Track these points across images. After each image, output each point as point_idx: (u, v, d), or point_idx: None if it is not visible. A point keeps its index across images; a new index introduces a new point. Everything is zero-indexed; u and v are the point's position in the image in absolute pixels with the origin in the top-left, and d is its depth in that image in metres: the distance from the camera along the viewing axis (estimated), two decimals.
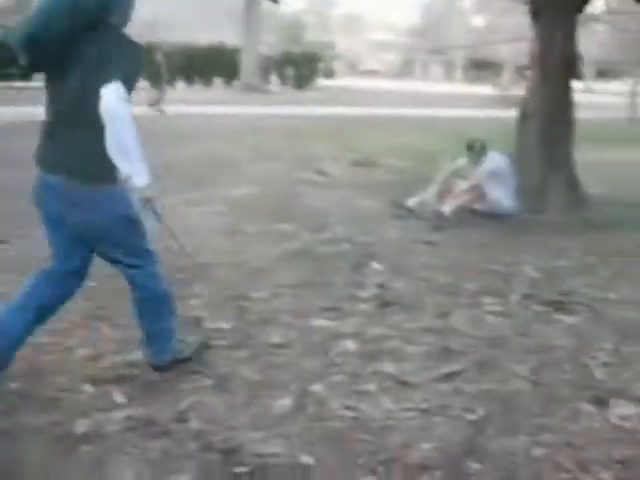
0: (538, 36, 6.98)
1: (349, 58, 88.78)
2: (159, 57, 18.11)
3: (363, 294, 4.30)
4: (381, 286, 4.44)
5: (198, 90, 29.51)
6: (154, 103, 17.75)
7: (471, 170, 6.56)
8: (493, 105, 25.73)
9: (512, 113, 7.55)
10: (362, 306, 4.10)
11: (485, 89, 33.52)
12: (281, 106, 21.15)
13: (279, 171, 8.96)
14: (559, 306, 4.16)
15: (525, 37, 8.50)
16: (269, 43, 45.45)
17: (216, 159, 9.76)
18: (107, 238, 2.87)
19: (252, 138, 12.37)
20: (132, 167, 2.60)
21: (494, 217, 6.35)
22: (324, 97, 27.72)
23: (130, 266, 2.93)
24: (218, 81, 30.96)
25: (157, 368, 3.12)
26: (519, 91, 20.98)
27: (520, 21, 7.24)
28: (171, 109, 17.62)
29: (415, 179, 8.37)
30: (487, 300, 4.25)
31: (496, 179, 6.37)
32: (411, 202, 6.54)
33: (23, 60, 2.63)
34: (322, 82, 42.07)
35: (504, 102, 24.84)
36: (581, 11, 7.00)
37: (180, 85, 29.81)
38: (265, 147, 11.19)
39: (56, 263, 2.94)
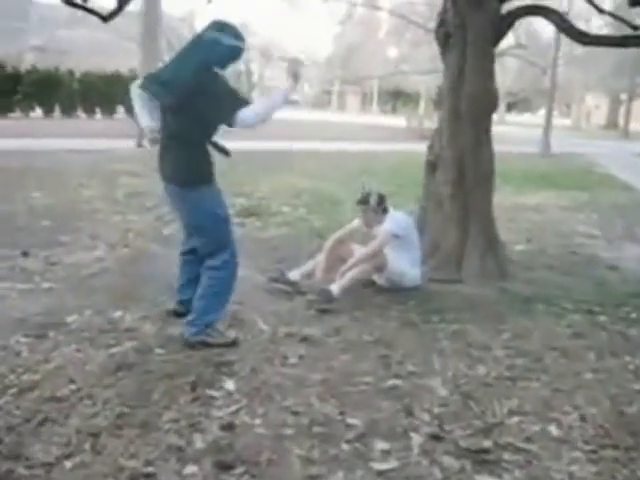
0: (448, 70, 5.82)
1: (265, 88, 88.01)
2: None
3: (198, 444, 2.90)
4: (229, 427, 3.04)
5: (96, 121, 27.58)
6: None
7: (368, 233, 5.29)
8: (407, 138, 24.97)
9: (425, 147, 6.37)
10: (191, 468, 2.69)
11: (400, 121, 32.89)
12: None
13: (135, 224, 7.43)
14: None
15: (439, 69, 7.42)
16: None
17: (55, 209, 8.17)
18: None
19: (126, 179, 10.79)
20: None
21: (398, 291, 5.08)
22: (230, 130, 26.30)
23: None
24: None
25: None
26: (433, 124, 20.30)
27: (435, 52, 5.99)
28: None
29: (309, 235, 7.10)
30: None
31: (399, 244, 5.11)
32: (294, 274, 5.18)
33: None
34: None
35: (418, 135, 24.19)
36: (495, 45, 5.87)
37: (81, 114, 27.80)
38: (133, 189, 9.62)
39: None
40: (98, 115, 28.18)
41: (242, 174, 12.08)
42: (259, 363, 3.75)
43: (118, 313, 4.50)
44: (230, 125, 3.75)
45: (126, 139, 16.56)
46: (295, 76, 3.88)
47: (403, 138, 25.07)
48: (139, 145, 16.29)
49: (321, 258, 5.21)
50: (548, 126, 22.31)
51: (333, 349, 4.00)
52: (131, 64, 26.18)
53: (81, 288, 5.05)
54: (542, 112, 41.11)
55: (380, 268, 5.01)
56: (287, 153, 17.02)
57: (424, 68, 32.10)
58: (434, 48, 6.16)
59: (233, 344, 3.96)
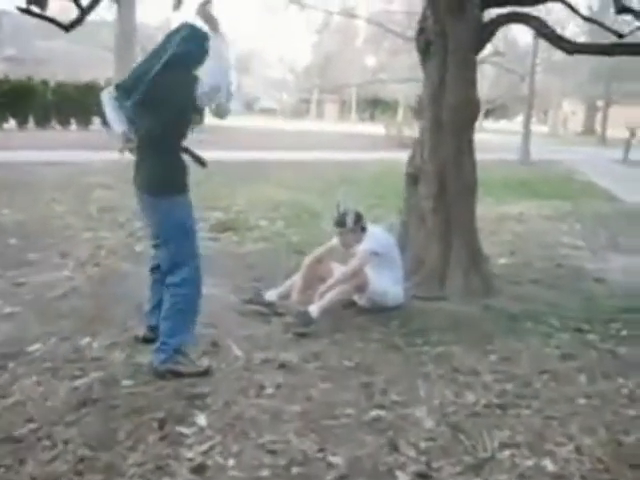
0: (428, 79, 5.64)
1: (245, 96, 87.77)
2: None
3: None
4: (200, 470, 2.81)
5: (71, 132, 27.17)
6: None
7: (346, 251, 5.08)
8: (386, 146, 24.86)
9: (405, 155, 6.18)
10: None
11: (379, 129, 32.79)
12: None
13: (107, 241, 7.14)
14: None
15: (418, 77, 7.23)
16: None
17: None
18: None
19: (100, 193, 10.50)
20: None
21: (380, 311, 4.88)
22: (207, 139, 26.01)
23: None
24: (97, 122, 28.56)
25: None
26: (412, 132, 20.18)
27: (414, 60, 5.79)
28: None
29: (286, 251, 6.87)
30: None
31: (379, 262, 4.90)
32: (271, 294, 4.96)
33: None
34: (214, 122, 40.24)
35: (397, 143, 24.09)
36: (477, 53, 5.70)
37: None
38: (106, 203, 9.31)
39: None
40: (73, 126, 27.74)
41: (218, 185, 11.84)
42: (233, 394, 3.52)
43: (85, 340, 4.25)
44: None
45: (102, 150, 16.23)
46: (208, 19, 3.69)
47: (382, 146, 24.94)
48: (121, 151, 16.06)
49: (298, 278, 4.99)
50: (527, 133, 22.31)
51: (312, 376, 3.78)
52: (109, 74, 25.84)
53: (47, 312, 4.77)
54: (519, 119, 41.36)
55: (361, 288, 4.80)
56: (264, 163, 16.81)
57: (402, 76, 32.07)
58: (413, 56, 6.00)
59: (205, 373, 3.74)
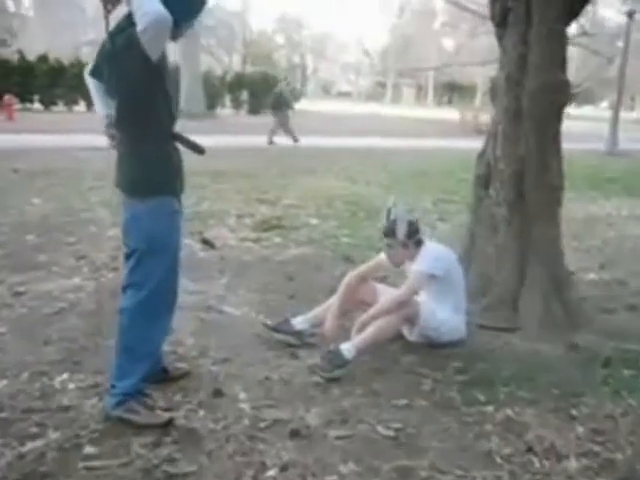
0: (505, 56, 4.57)
1: (321, 80, 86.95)
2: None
3: None
4: None
5: None
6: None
7: (395, 268, 4.11)
8: (461, 133, 23.51)
9: (480, 144, 5.13)
10: None
11: (456, 114, 31.27)
12: (211, 136, 18.34)
13: None
14: None
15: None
16: (230, 64, 43.11)
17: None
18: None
19: None
20: None
21: (435, 348, 3.88)
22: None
23: None
24: None
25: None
26: (489, 117, 18.91)
27: (494, 42, 4.65)
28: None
29: (333, 259, 5.94)
30: None
31: (437, 287, 3.90)
32: (299, 322, 4.03)
33: None
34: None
35: (473, 129, 22.74)
36: (568, 24, 4.57)
37: None
38: None
39: None
40: None
41: (272, 176, 11.00)
42: (224, 475, 2.61)
43: (62, 377, 3.45)
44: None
45: None
46: None
47: (457, 133, 23.60)
48: (270, 142, 16.40)
49: (335, 300, 4.04)
50: (615, 119, 20.53)
51: (332, 451, 2.82)
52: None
53: (34, 334, 4.00)
54: (604, 104, 38.82)
55: (411, 319, 3.81)
56: (329, 150, 15.86)
57: (481, 59, 30.44)
58: (493, 38, 4.89)
59: (165, 426, 2.94)
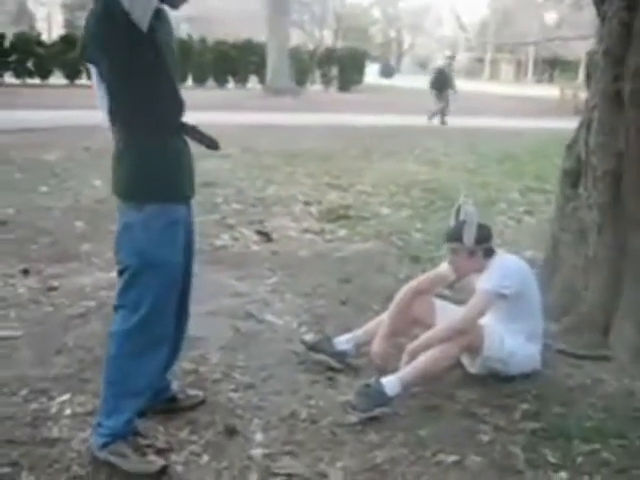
0: (605, 27, 3.79)
1: (416, 56, 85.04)
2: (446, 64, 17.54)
3: None
4: None
5: (229, 90, 26.73)
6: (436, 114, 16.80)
7: (457, 278, 3.47)
8: (559, 112, 22.06)
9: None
10: None
11: (557, 92, 29.54)
12: (294, 113, 17.83)
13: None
14: None
15: None
16: (321, 38, 42.48)
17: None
18: None
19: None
20: None
21: (500, 382, 3.22)
22: (363, 101, 24.48)
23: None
24: (255, 81, 27.98)
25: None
26: None
27: None
28: None
29: (399, 257, 5.34)
30: None
31: (507, 309, 3.22)
32: (342, 342, 3.45)
33: None
34: (379, 81, 38.79)
35: (572, 108, 21.29)
36: None
37: (210, 84, 27.09)
38: (212, 177, 8.16)
39: None
40: (230, 84, 27.40)
41: (348, 158, 10.39)
42: None
43: (63, 397, 3.02)
44: None
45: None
46: None
47: (555, 112, 22.16)
48: (440, 120, 16.30)
49: (386, 317, 3.43)
50: None
51: None
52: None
53: (50, 341, 3.61)
54: None
55: (473, 348, 3.16)
56: (415, 130, 15.03)
57: (585, 33, 28.57)
58: None
59: (157, 476, 2.43)
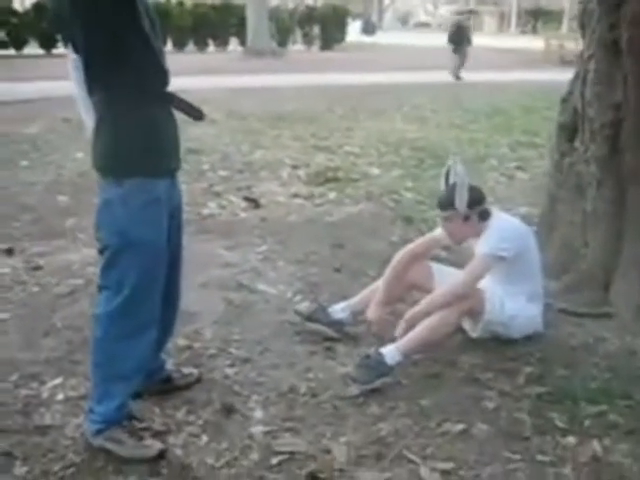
0: None
1: (397, 11, 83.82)
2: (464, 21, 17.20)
3: None
4: None
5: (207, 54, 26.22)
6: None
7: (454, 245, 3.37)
8: (545, 64, 21.85)
9: (567, 76, 4.24)
10: None
11: (540, 43, 29.20)
12: (277, 74, 17.48)
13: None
14: None
15: None
16: None
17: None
18: None
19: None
20: None
21: (503, 345, 3.15)
22: (346, 59, 24.06)
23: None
24: (235, 43, 27.44)
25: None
26: (577, 45, 17.35)
27: None
28: None
29: (392, 218, 5.25)
30: None
31: (507, 271, 3.14)
32: (337, 310, 3.36)
33: None
34: (361, 39, 38.14)
35: (558, 59, 21.11)
36: None
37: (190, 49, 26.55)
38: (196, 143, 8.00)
39: None
40: (211, 48, 26.89)
41: (335, 119, 10.22)
42: None
43: (55, 382, 2.92)
44: None
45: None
46: None
47: (541, 64, 21.93)
48: (457, 77, 16.12)
49: (382, 282, 3.34)
50: None
51: None
52: None
53: (37, 322, 3.50)
54: None
55: (474, 312, 3.08)
56: (401, 87, 14.79)
57: None
58: None
59: (156, 460, 2.36)
